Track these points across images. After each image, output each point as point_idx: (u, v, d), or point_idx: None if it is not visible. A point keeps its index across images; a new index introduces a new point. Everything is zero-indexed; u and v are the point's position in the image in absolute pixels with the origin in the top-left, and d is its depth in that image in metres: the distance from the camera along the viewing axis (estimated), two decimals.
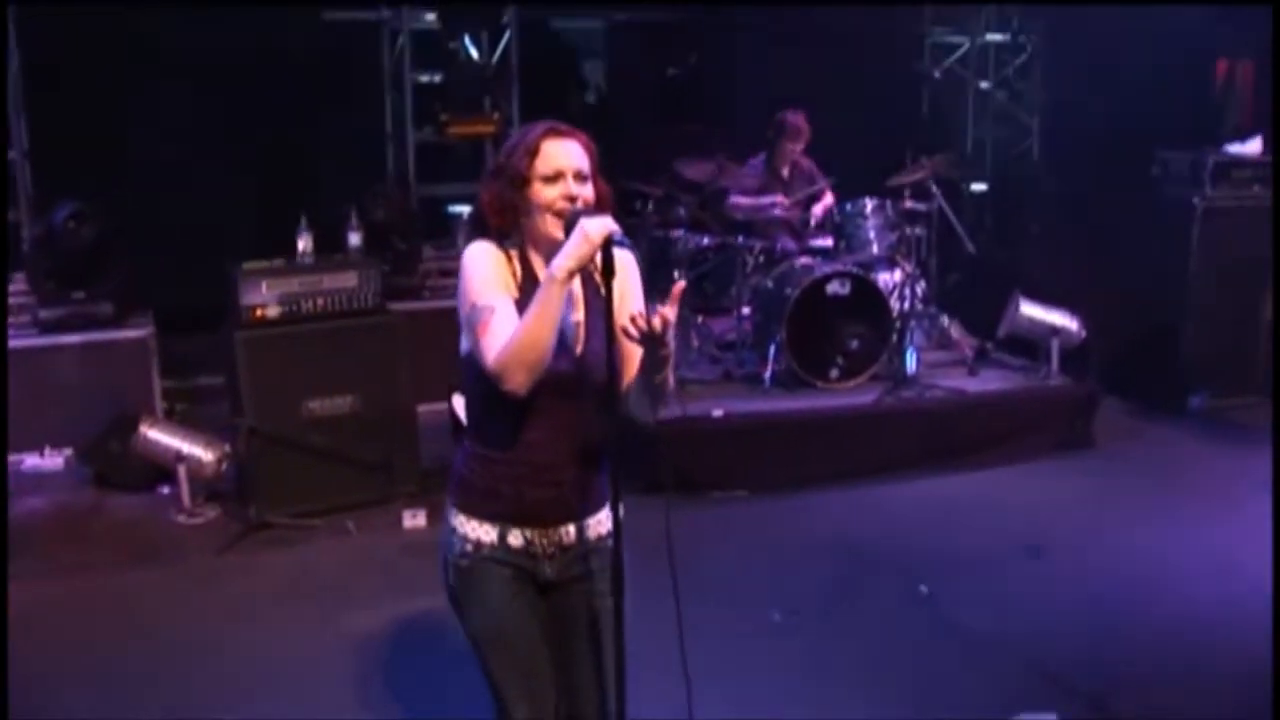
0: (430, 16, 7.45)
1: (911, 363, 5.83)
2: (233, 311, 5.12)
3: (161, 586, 4.51)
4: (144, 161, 6.87)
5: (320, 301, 5.23)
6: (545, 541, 2.27)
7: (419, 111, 7.59)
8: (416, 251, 7.10)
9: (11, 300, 6.43)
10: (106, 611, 4.28)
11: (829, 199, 6.43)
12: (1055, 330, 6.06)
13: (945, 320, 6.47)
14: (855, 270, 5.79)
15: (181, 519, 5.15)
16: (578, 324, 2.24)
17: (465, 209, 7.60)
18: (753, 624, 4.11)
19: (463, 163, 7.79)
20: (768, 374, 5.84)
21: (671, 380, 2.27)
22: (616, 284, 2.11)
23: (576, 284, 2.20)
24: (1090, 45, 8.02)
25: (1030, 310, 6.10)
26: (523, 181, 2.22)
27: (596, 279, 2.18)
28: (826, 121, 6.66)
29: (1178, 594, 4.35)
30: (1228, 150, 6.57)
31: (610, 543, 2.22)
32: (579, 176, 2.21)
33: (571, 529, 2.29)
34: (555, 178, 2.20)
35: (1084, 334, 6.15)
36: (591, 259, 2.06)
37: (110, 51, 6.75)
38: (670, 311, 2.08)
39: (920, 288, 6.30)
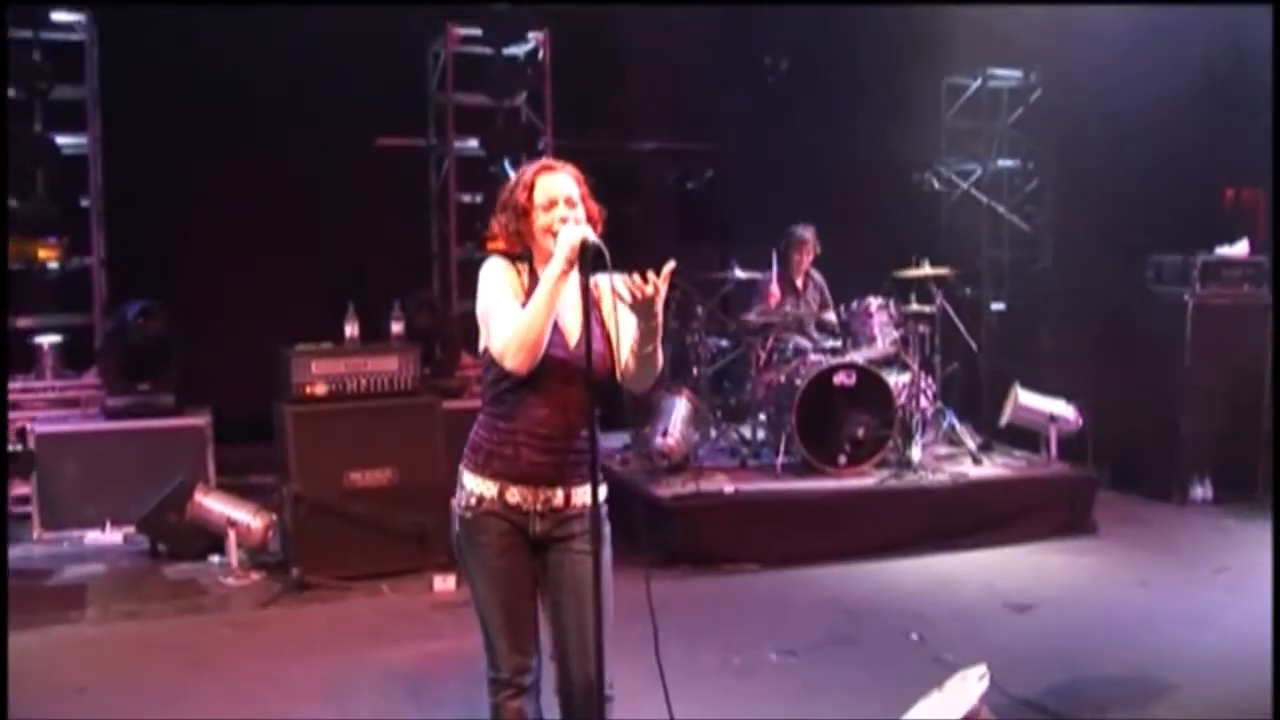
0: (473, 143, 8.23)
1: (917, 450, 6.28)
2: (284, 387, 5.72)
3: (209, 630, 4.99)
4: (208, 265, 7.62)
5: (364, 382, 5.81)
6: (537, 501, 2.76)
7: (461, 229, 8.32)
8: (455, 357, 7.72)
9: (82, 392, 7.14)
10: (162, 646, 4.77)
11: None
12: (1053, 418, 6.51)
13: (951, 416, 6.91)
14: (860, 362, 6.30)
15: (230, 580, 5.66)
16: (573, 323, 2.76)
17: None
18: (753, 662, 4.50)
19: None
20: (779, 462, 6.31)
21: (660, 356, 2.76)
22: (602, 280, 2.67)
23: (575, 293, 2.71)
24: (1096, 167, 8.61)
25: (1028, 399, 6.56)
26: (524, 212, 2.78)
27: (594, 291, 2.72)
28: (843, 236, 7.29)
29: (1161, 641, 4.69)
30: (1217, 252, 7.08)
31: (594, 509, 2.71)
32: (569, 202, 2.77)
33: (559, 493, 2.77)
34: (550, 205, 2.76)
35: (1080, 422, 6.59)
36: (574, 259, 2.61)
37: (181, 167, 7.55)
38: (662, 284, 2.60)
39: (928, 385, 6.78)
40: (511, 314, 2.67)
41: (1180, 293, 6.97)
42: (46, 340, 7.43)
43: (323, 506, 5.56)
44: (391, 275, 7.91)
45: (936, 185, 7.10)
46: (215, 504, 5.89)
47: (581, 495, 2.80)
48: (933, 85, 9.43)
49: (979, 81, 9.38)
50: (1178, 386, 6.95)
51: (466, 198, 8.32)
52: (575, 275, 2.62)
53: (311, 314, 6.48)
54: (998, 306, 9.62)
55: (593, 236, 2.62)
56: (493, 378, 2.77)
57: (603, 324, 2.75)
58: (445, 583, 5.54)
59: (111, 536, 6.42)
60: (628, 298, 2.60)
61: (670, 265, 2.65)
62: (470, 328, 7.23)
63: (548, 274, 2.61)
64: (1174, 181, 7.53)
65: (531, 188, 2.79)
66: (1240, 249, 7.07)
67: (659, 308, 2.63)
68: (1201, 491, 6.91)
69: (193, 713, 4.08)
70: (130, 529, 6.33)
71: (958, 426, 6.79)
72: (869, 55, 8.47)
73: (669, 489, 5.94)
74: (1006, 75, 9.47)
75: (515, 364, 2.63)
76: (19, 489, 6.76)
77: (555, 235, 2.69)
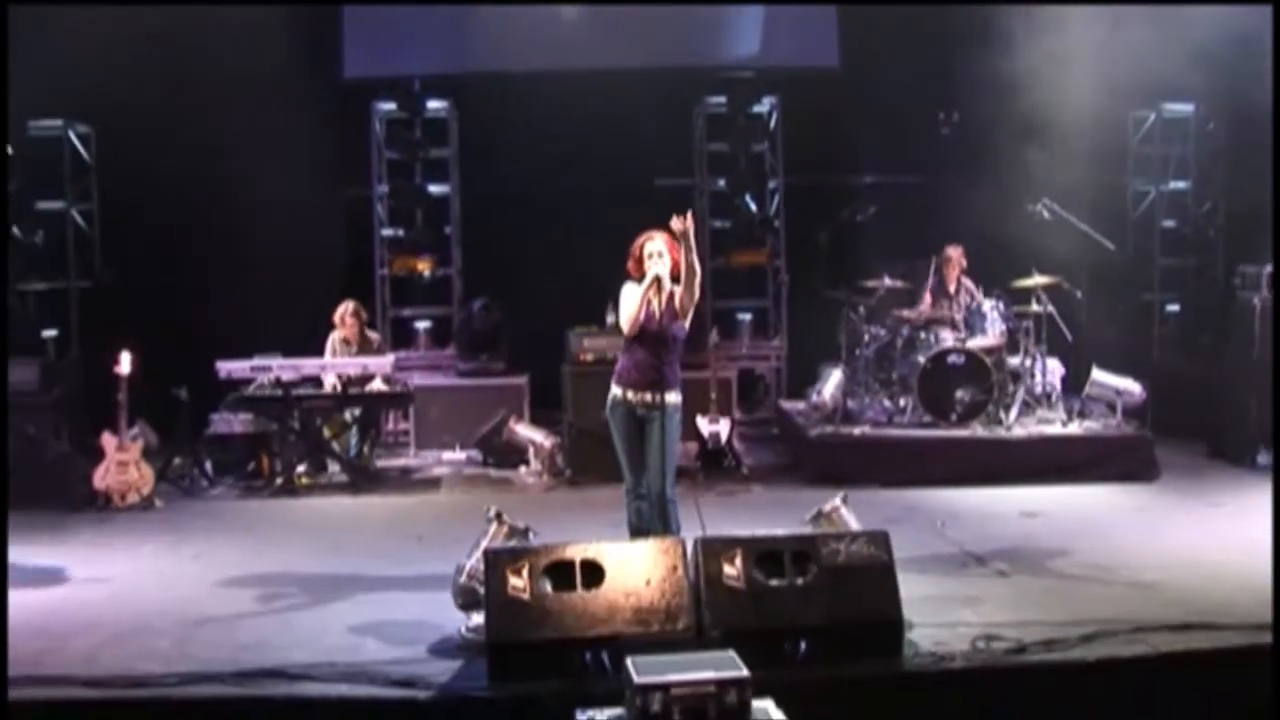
0: (722, 182, 11.46)
1: (1005, 413, 8.93)
2: (567, 355, 9.17)
3: (514, 504, 8.43)
4: (531, 274, 11.22)
5: (613, 354, 9.15)
6: (638, 397, 5.93)
7: (714, 248, 11.54)
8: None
9: (443, 359, 10.98)
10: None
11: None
12: (1119, 392, 8.94)
13: (1053, 388, 9.42)
14: (963, 347, 9.01)
15: (529, 479, 9.20)
16: (659, 308, 5.90)
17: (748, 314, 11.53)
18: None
19: (742, 282, 11.68)
20: (906, 418, 9.15)
21: (698, 270, 5.84)
22: (669, 289, 5.82)
23: (645, 298, 5.87)
24: (1257, 188, 10.64)
25: (1101, 377, 9.02)
26: (639, 259, 5.98)
27: (667, 289, 5.86)
28: (992, 252, 9.93)
29: (1121, 542, 7.14)
30: None
31: (669, 403, 5.85)
32: (659, 255, 5.92)
33: (649, 395, 5.92)
34: (648, 256, 5.93)
35: (1144, 396, 8.97)
36: (653, 283, 5.77)
37: (517, 204, 11.18)
38: (690, 224, 5.69)
39: (1038, 366, 9.34)
40: (627, 309, 5.87)
41: (1251, 296, 9.16)
42: (421, 325, 11.36)
43: (587, 432, 8.93)
44: None
45: (1047, 216, 9.48)
46: (523, 430, 9.45)
47: (666, 397, 5.94)
48: (1120, 117, 11.72)
49: (1154, 115, 11.61)
50: (1248, 374, 9.14)
51: (718, 223, 11.56)
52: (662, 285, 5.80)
53: (595, 305, 9.81)
54: (1173, 308, 11.83)
55: (662, 271, 5.78)
56: (624, 337, 5.99)
57: (671, 302, 5.87)
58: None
59: (459, 454, 10.12)
60: (678, 229, 5.69)
61: (690, 217, 5.72)
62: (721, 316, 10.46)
63: (639, 290, 5.80)
64: None
65: (642, 247, 5.98)
66: None
67: (692, 240, 5.72)
68: (1264, 459, 9.04)
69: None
70: (472, 450, 10.01)
71: (1054, 397, 9.31)
72: (1059, 93, 10.87)
73: (817, 431, 8.97)
74: (1179, 109, 11.61)
75: (628, 332, 5.85)
76: (401, 424, 10.65)
77: (646, 271, 5.88)
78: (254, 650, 5.08)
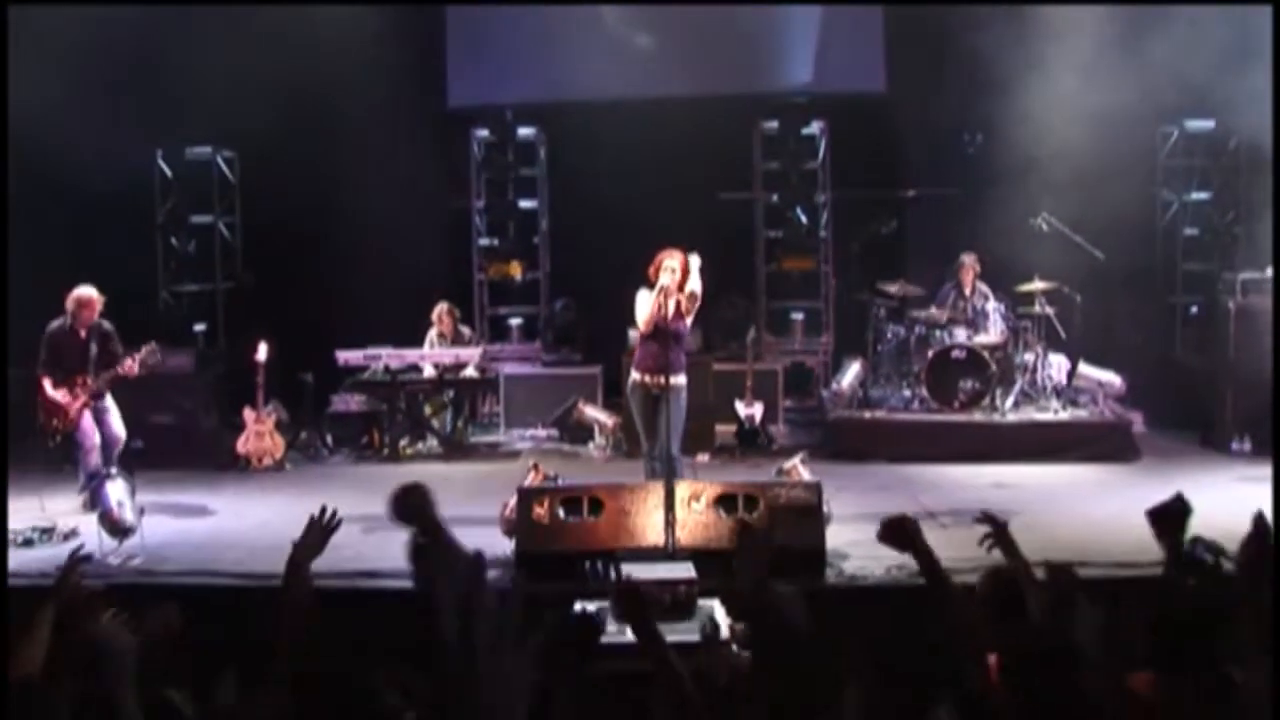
0: (775, 196, 13.21)
1: (1003, 400, 10.52)
2: (626, 348, 11.03)
3: (581, 472, 10.32)
4: (608, 277, 13.08)
5: None
6: (652, 380, 7.78)
7: (768, 255, 13.29)
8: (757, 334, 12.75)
9: (530, 351, 12.95)
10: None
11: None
12: (1100, 384, 10.46)
13: (1048, 379, 10.95)
14: (967, 344, 10.62)
15: (595, 452, 11.11)
16: (668, 312, 7.74)
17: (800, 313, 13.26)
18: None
19: (795, 285, 13.42)
20: (918, 404, 10.81)
21: (699, 291, 7.72)
22: (676, 296, 7.66)
23: (658, 304, 7.71)
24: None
25: (1085, 370, 10.55)
26: (657, 268, 7.82)
27: (674, 296, 7.71)
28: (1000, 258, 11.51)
29: (1073, 512, 8.74)
30: (1268, 273, 10.57)
31: (675, 384, 7.69)
32: (671, 270, 7.75)
33: (660, 377, 7.75)
34: (661, 269, 7.77)
35: (1124, 388, 10.46)
36: (664, 289, 7.60)
37: (598, 215, 13.08)
38: (695, 261, 7.56)
39: (1040, 360, 10.89)
40: (642, 311, 7.72)
41: (1228, 300, 10.59)
42: (514, 321, 13.37)
43: None
44: (718, 283, 13.06)
45: (1045, 229, 10.99)
46: (590, 411, 11.36)
47: (672, 379, 7.76)
48: (1148, 133, 13.11)
49: (1177, 131, 12.98)
50: (1227, 370, 10.58)
51: (771, 234, 13.32)
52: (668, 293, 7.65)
53: None
54: (1195, 310, 13.19)
55: (668, 282, 7.62)
56: (640, 332, 7.84)
57: (677, 307, 7.70)
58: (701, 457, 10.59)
59: (540, 432, 12.07)
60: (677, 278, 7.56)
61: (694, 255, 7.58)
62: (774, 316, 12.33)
63: (651, 295, 7.65)
64: None
65: (661, 260, 7.82)
66: None
67: (695, 274, 7.57)
68: (1238, 446, 10.45)
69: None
70: (550, 428, 11.96)
71: (1049, 389, 10.85)
72: (1092, 114, 12.32)
73: (835, 415, 10.71)
74: (1201, 125, 12.94)
75: (643, 330, 7.71)
76: (494, 407, 12.64)
77: (658, 281, 7.74)
78: (353, 561, 7.04)
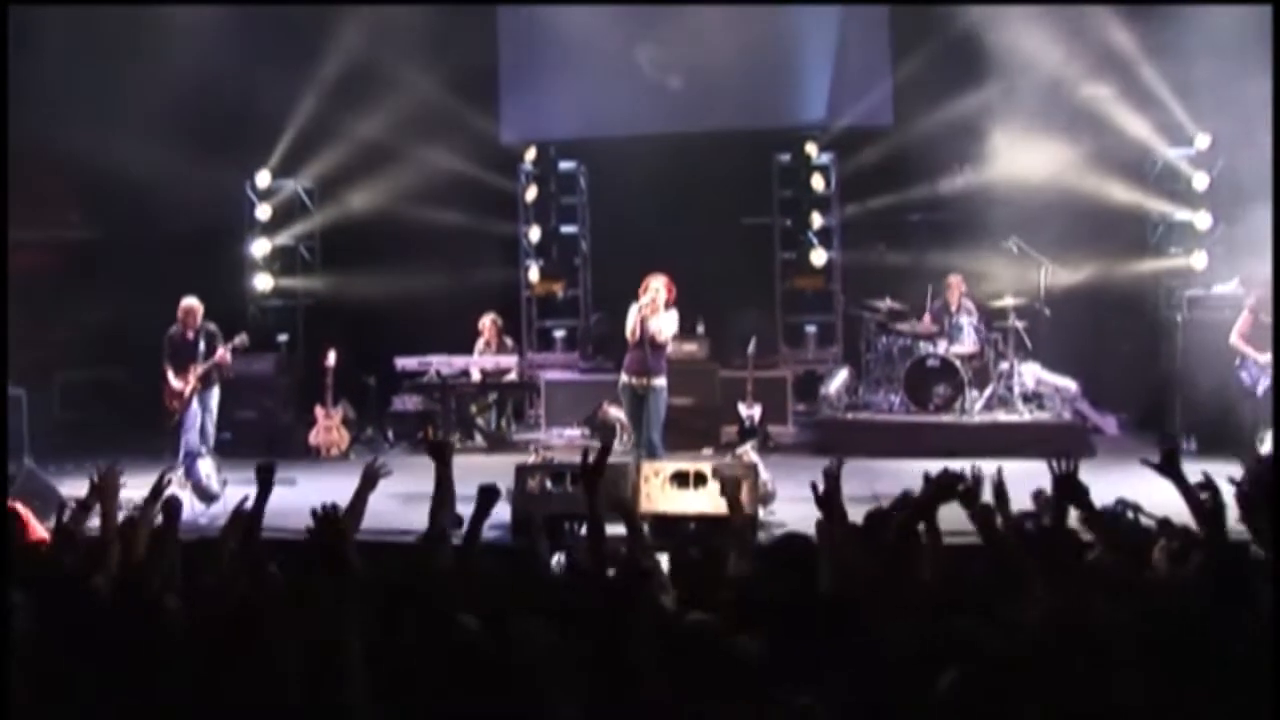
0: (789, 222, 15.00)
1: (972, 404, 12.18)
2: None
3: None
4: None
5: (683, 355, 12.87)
6: (637, 381, 9.65)
7: (783, 274, 15.09)
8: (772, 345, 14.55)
9: (570, 359, 14.89)
10: None
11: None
12: (1057, 389, 12.07)
13: (1016, 385, 12.58)
14: (941, 354, 12.30)
15: (618, 447, 12.98)
16: (647, 326, 9.61)
17: (814, 326, 15.03)
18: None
19: (809, 301, 15.19)
20: (899, 406, 12.52)
21: (665, 329, 9.60)
22: (648, 316, 9.53)
23: (639, 318, 9.59)
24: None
25: (1044, 376, 12.16)
26: (645, 289, 9.70)
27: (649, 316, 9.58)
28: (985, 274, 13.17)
29: None
30: (1213, 290, 12.08)
31: (655, 385, 9.55)
32: (649, 289, 9.61)
33: (646, 379, 9.61)
34: (644, 291, 9.64)
35: (1079, 392, 12.06)
36: (642, 309, 9.48)
37: (632, 238, 14.99)
38: (662, 298, 9.43)
39: (1015, 369, 12.53)
40: (629, 325, 9.61)
41: (1175, 315, 12.15)
42: (558, 333, 15.35)
43: None
44: (735, 299, 14.90)
45: (1016, 251, 12.61)
46: (614, 412, 13.20)
47: (651, 381, 9.62)
48: (1139, 158, 14.57)
49: (1168, 153, 14.42)
50: (1173, 378, 12.14)
51: (786, 255, 15.11)
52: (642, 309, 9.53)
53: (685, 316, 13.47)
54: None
55: (645, 302, 9.49)
56: (629, 341, 9.73)
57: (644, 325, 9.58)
58: (706, 451, 12.41)
59: (575, 430, 13.99)
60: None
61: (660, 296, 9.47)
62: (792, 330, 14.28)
63: (634, 313, 9.54)
64: None
65: (646, 283, 9.70)
66: (1228, 287, 12.00)
67: (659, 308, 9.44)
68: (1186, 446, 11.97)
69: None
70: (583, 428, 13.87)
71: (1020, 392, 12.47)
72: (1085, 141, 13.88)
73: (822, 416, 12.49)
74: (1185, 151, 14.36)
75: (629, 340, 9.60)
76: (540, 409, 14.59)
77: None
78: (393, 521, 9.02)
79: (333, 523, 4.34)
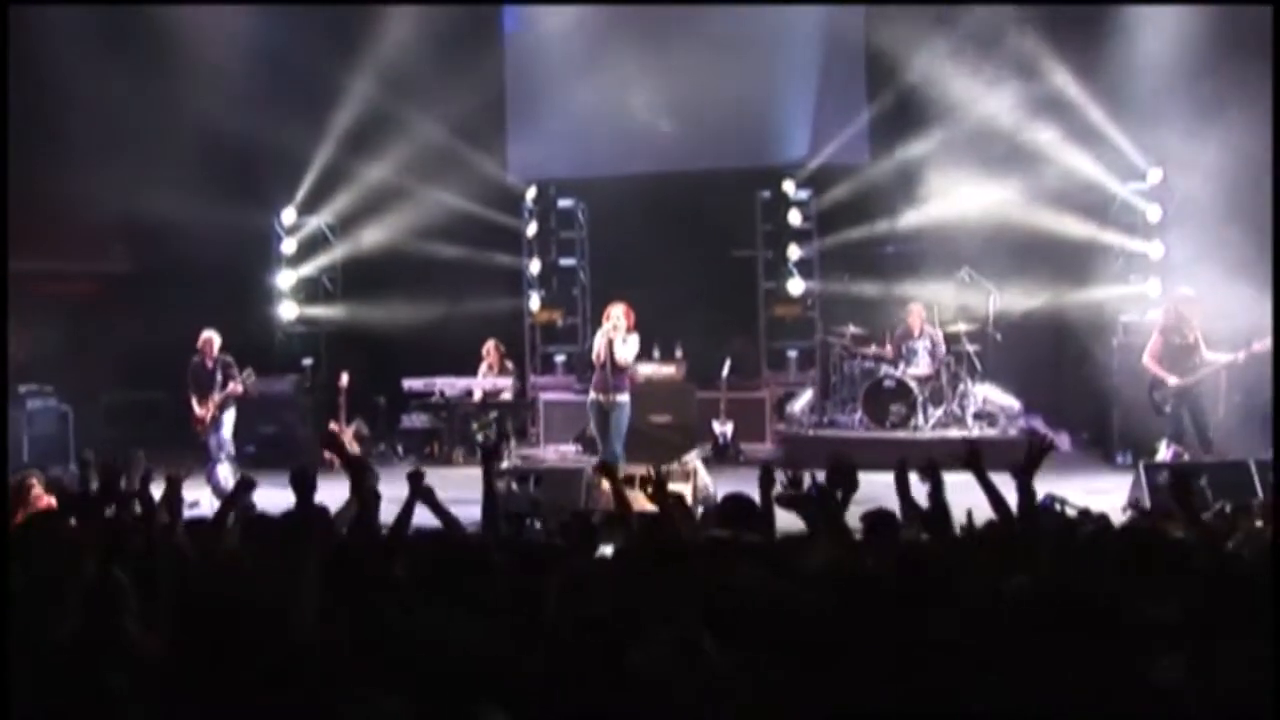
0: (770, 254, 16.40)
1: (923, 421, 13.48)
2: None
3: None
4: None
5: (682, 374, 14.27)
6: (604, 398, 11.06)
7: (765, 303, 16.48)
8: (756, 369, 15.93)
9: (567, 381, 16.35)
10: None
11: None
12: (1002, 407, 13.35)
13: (968, 404, 13.86)
14: (897, 375, 13.63)
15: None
16: (610, 348, 11.03)
17: (795, 351, 16.39)
18: None
19: (791, 328, 16.56)
20: (859, 424, 13.85)
21: (626, 356, 11.02)
22: (612, 343, 10.97)
23: (604, 342, 11.01)
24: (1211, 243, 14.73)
25: (992, 395, 13.44)
26: (607, 316, 11.14)
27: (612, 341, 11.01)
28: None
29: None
30: (1146, 316, 13.33)
31: (618, 401, 10.96)
32: (610, 317, 11.04)
33: (607, 396, 11.02)
34: (606, 319, 11.07)
35: (1023, 410, 13.32)
36: (607, 332, 10.92)
37: (629, 272, 16.45)
38: (619, 330, 10.86)
39: (966, 388, 13.82)
40: (595, 347, 11.04)
41: (1112, 338, 13.43)
42: (559, 358, 16.82)
43: (635, 430, 14.04)
44: (721, 326, 16.27)
45: (967, 280, 13.94)
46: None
47: (616, 397, 11.03)
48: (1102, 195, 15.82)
49: (1128, 183, 15.61)
50: (1108, 395, 13.40)
51: (769, 284, 16.50)
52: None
53: (668, 342, 14.93)
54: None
55: (607, 328, 10.92)
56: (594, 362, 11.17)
57: (612, 347, 11.00)
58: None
59: (569, 447, 15.39)
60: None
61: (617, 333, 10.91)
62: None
63: (601, 337, 10.98)
64: None
65: (608, 311, 11.14)
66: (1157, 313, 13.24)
67: (620, 335, 10.87)
68: (1121, 459, 13.21)
69: None
70: (576, 444, 15.28)
71: (967, 410, 13.75)
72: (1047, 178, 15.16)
73: (787, 432, 13.84)
74: (1133, 187, 15.58)
75: (595, 360, 11.03)
76: (539, 426, 16.04)
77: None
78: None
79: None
